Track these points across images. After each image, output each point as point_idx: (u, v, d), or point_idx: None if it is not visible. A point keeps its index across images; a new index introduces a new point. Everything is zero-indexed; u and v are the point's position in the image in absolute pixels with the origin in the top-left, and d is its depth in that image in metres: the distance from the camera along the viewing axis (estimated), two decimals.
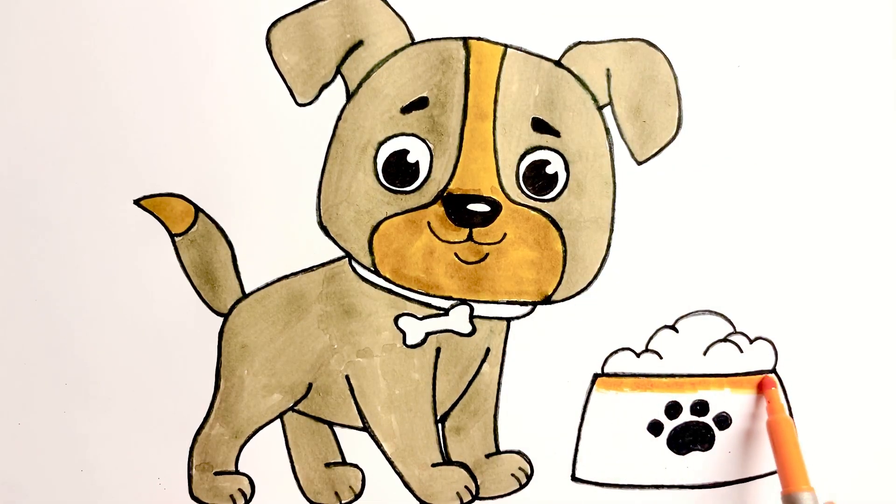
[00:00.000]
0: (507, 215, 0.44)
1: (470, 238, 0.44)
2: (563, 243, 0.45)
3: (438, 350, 0.46)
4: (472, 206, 0.44)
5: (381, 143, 0.44)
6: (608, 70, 0.45)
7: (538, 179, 0.45)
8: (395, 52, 0.44)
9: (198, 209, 0.45)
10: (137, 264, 0.45)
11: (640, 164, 0.46)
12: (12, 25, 0.44)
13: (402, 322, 0.46)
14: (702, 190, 0.46)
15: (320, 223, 0.45)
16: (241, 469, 0.46)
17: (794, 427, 0.45)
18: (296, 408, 0.46)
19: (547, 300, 0.46)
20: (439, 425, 0.47)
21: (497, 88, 0.44)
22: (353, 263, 0.45)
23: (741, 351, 0.47)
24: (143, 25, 0.44)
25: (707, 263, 0.47)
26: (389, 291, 0.45)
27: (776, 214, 0.47)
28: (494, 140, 0.44)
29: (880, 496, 0.49)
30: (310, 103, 0.44)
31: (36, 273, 0.45)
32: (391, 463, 0.47)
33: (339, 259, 0.45)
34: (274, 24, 0.44)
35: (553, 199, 0.45)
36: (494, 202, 0.44)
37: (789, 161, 0.47)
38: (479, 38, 0.44)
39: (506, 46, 0.44)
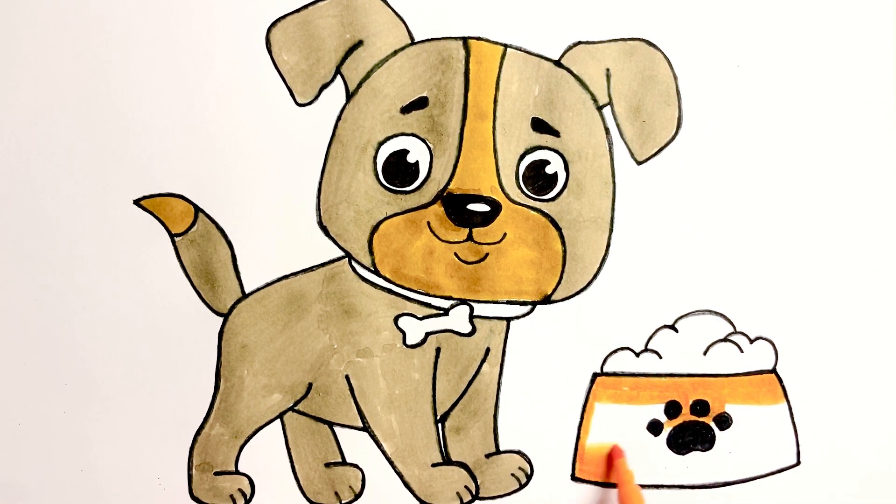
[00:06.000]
0: (507, 215, 0.44)
1: (470, 238, 0.44)
2: (563, 243, 0.45)
3: (438, 350, 0.46)
4: (471, 206, 0.44)
5: (380, 143, 0.44)
6: (608, 70, 0.45)
7: (538, 179, 0.45)
8: (395, 52, 0.44)
9: (198, 209, 0.45)
10: (137, 264, 0.45)
11: (639, 163, 0.46)
12: (13, 25, 0.44)
13: (402, 322, 0.46)
14: (701, 190, 0.46)
15: (320, 223, 0.45)
16: (241, 469, 0.46)
17: (642, 496, 0.45)
18: (296, 408, 0.46)
19: (546, 300, 0.46)
20: (439, 425, 0.47)
21: (497, 88, 0.44)
22: (353, 263, 0.45)
23: (741, 351, 0.47)
24: (143, 25, 0.44)
25: (707, 263, 0.47)
26: (389, 291, 0.46)
27: (776, 214, 0.47)
28: (494, 140, 0.44)
29: (881, 496, 0.49)
30: (310, 103, 0.44)
31: (36, 273, 0.45)
32: (391, 463, 0.47)
33: (339, 259, 0.45)
34: (274, 24, 0.44)
35: (553, 199, 0.45)
36: (494, 202, 0.44)
37: (789, 161, 0.47)
38: (478, 38, 0.44)
39: (505, 46, 0.44)
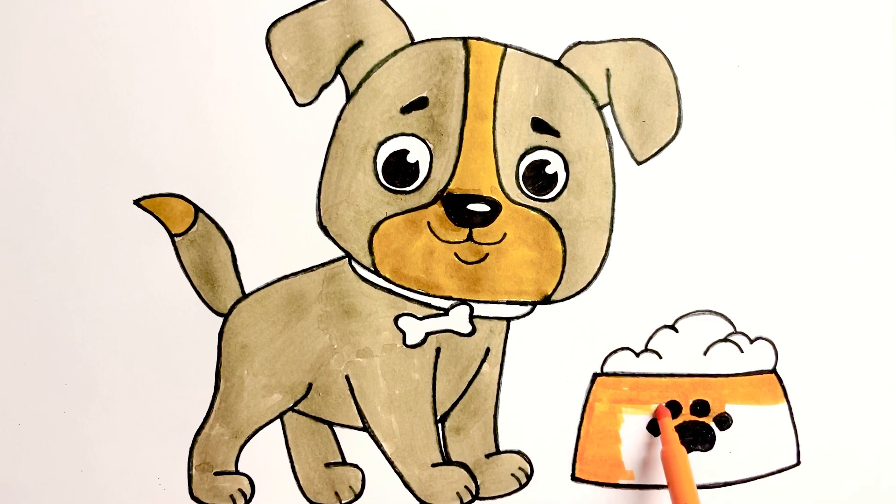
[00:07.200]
0: (507, 215, 0.44)
1: (470, 238, 0.44)
2: (563, 243, 0.45)
3: (438, 350, 0.46)
4: (471, 206, 0.44)
5: (380, 143, 0.44)
6: (608, 70, 0.45)
7: (538, 179, 0.45)
8: (395, 53, 0.44)
9: (198, 209, 0.45)
10: (137, 264, 0.45)
11: (639, 164, 0.46)
12: (13, 24, 0.44)
13: (402, 322, 0.46)
14: (701, 190, 0.46)
15: (320, 223, 0.45)
16: (241, 469, 0.46)
17: (687, 457, 0.45)
18: (296, 408, 0.46)
19: (546, 300, 0.46)
20: (439, 425, 0.47)
21: (497, 88, 0.44)
22: (353, 263, 0.45)
23: (741, 351, 0.47)
24: (143, 25, 0.44)
25: (707, 263, 0.47)
26: (389, 291, 0.46)
27: (776, 214, 0.47)
28: (494, 140, 0.44)
29: (881, 496, 0.49)
30: (310, 103, 0.44)
31: (36, 273, 0.45)
32: (391, 463, 0.47)
33: (339, 259, 0.45)
34: (274, 24, 0.44)
35: (553, 199, 0.45)
36: (494, 202, 0.44)
37: (789, 161, 0.47)
38: (478, 38, 0.44)
39: (505, 46, 0.44)
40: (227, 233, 0.45)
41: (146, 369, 0.45)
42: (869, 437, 0.49)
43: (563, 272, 0.45)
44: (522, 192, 0.45)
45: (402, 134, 0.44)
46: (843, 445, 0.48)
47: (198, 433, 0.46)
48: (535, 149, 0.45)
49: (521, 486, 0.47)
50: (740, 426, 0.48)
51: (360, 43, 0.44)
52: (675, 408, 0.47)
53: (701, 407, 0.48)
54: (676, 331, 0.47)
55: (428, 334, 0.46)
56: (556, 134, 0.45)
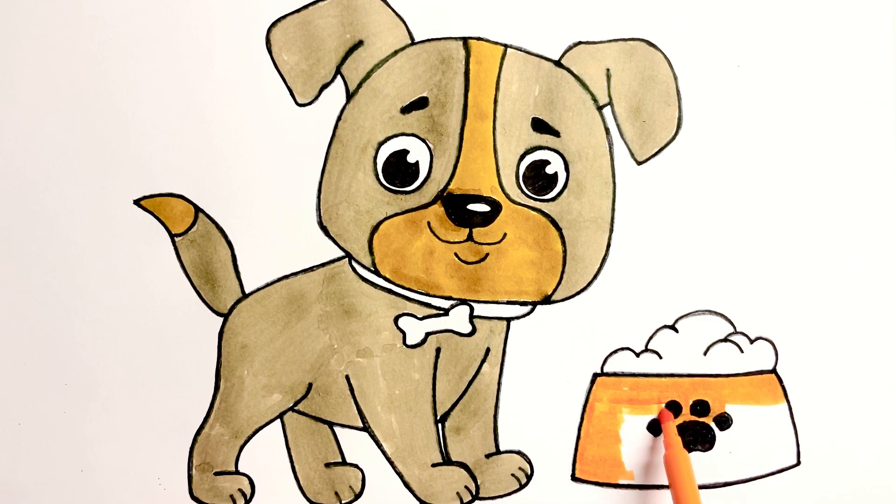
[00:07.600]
0: (507, 215, 0.44)
1: (470, 238, 0.44)
2: (563, 243, 0.45)
3: (438, 350, 0.46)
4: (472, 206, 0.44)
5: (380, 143, 0.44)
6: (608, 70, 0.45)
7: (538, 179, 0.45)
8: (395, 52, 0.44)
9: (198, 209, 0.45)
10: (137, 264, 0.45)
11: (639, 164, 0.46)
12: (13, 24, 0.44)
13: (402, 322, 0.46)
14: (702, 190, 0.46)
15: (320, 223, 0.45)
16: (241, 469, 0.46)
17: (690, 461, 0.45)
18: (296, 408, 0.46)
19: (547, 300, 0.46)
20: (439, 425, 0.47)
21: (497, 88, 0.44)
22: (353, 263, 0.45)
23: (741, 351, 0.47)
24: (143, 25, 0.44)
25: (707, 263, 0.47)
26: (389, 291, 0.46)
27: (776, 214, 0.47)
28: (494, 140, 0.44)
29: (881, 497, 0.49)
30: (310, 103, 0.44)
31: (36, 273, 0.45)
32: (391, 463, 0.47)
33: (339, 259, 0.45)
34: (274, 24, 0.44)
35: (553, 199, 0.45)
36: (494, 202, 0.44)
37: (789, 161, 0.47)
38: (478, 38, 0.44)
39: (506, 46, 0.44)
40: (227, 233, 0.45)
41: (146, 369, 0.45)
42: (869, 437, 0.49)
43: (563, 272, 0.45)
44: (522, 192, 0.45)
45: (403, 134, 0.44)
46: (843, 445, 0.48)
47: (198, 433, 0.46)
48: (535, 149, 0.45)
49: (521, 487, 0.47)
50: (740, 426, 0.48)
51: (360, 43, 0.44)
52: (675, 408, 0.47)
53: (701, 407, 0.48)
54: (676, 331, 0.47)
55: (428, 334, 0.46)
56: (556, 134, 0.45)
